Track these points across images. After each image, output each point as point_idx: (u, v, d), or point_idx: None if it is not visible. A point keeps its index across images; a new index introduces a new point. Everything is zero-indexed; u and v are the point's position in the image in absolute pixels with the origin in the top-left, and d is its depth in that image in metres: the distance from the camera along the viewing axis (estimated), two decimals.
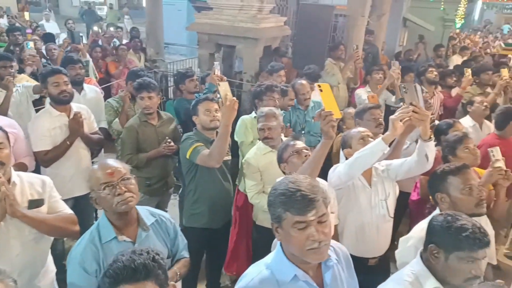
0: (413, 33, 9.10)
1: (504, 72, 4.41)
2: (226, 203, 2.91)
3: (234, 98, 2.32)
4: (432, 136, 2.12)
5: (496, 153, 2.40)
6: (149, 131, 3.12)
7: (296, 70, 5.21)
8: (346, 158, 2.26)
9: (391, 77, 4.26)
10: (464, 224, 1.49)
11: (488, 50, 9.81)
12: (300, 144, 2.21)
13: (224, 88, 2.34)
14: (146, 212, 1.81)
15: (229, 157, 2.88)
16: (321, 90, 1.73)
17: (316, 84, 1.78)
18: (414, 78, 4.90)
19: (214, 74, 3.29)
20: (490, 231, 2.22)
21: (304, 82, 3.90)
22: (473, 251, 1.45)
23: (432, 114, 4.49)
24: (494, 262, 2.44)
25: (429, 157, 2.09)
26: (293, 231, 1.26)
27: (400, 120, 1.91)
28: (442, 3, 9.16)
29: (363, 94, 4.38)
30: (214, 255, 3.02)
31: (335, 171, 2.18)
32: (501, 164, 2.36)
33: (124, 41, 7.72)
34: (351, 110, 3.64)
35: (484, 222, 2.22)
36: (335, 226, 2.32)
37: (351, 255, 1.59)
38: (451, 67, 6.10)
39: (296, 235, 1.26)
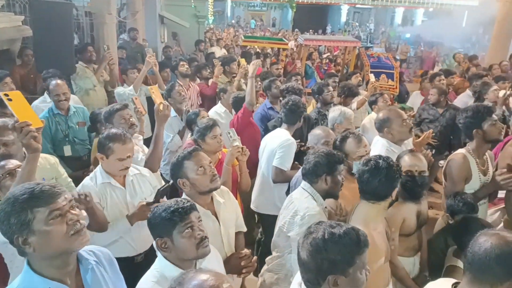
0: (171, 30, 9.46)
1: (242, 61, 5.03)
2: None
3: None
4: None
5: (232, 134, 2.69)
6: None
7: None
8: None
9: (149, 64, 4.27)
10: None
11: (238, 42, 11.24)
12: (13, 163, 1.86)
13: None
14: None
15: None
16: (9, 100, 1.45)
17: (2, 93, 1.48)
18: (170, 73, 5.05)
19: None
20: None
21: (60, 82, 3.45)
22: None
23: (191, 105, 4.75)
24: None
25: None
26: (50, 225, 1.23)
27: None
28: (193, 1, 9.85)
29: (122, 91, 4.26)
30: None
31: None
32: (238, 143, 2.65)
33: None
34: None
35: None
36: None
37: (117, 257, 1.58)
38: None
39: (54, 226, 1.23)
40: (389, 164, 1.92)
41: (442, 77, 5.38)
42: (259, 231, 3.62)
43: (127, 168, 2.30)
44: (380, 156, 2.02)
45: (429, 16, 23.90)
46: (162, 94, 2.95)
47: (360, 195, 2.08)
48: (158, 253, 1.62)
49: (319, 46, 12.07)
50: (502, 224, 2.96)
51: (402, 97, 7.10)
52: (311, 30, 20.25)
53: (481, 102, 4.45)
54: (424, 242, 2.58)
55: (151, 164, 2.64)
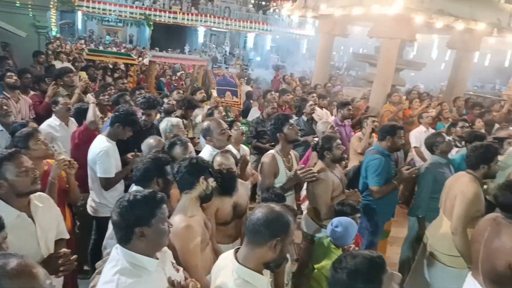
0: (2, 39, 8.47)
1: (83, 75, 4.94)
2: None
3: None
4: None
5: (57, 147, 2.72)
6: None
7: None
8: None
9: None
10: None
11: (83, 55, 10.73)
12: None
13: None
14: None
15: None
16: None
17: None
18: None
19: None
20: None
21: None
22: None
23: (22, 119, 4.42)
24: None
25: None
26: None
27: None
28: (30, 9, 9.03)
29: None
30: None
31: None
32: (63, 156, 2.67)
33: None
34: None
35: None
36: None
37: None
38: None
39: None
40: (191, 162, 2.28)
41: (273, 93, 6.22)
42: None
43: None
44: (192, 157, 2.35)
45: (276, 42, 26.74)
46: None
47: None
48: None
49: (175, 64, 12.43)
50: (305, 212, 3.64)
51: (247, 113, 7.87)
52: (169, 49, 20.56)
53: (301, 114, 5.35)
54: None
55: None
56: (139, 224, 1.63)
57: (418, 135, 5.66)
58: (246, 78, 10.06)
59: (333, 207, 3.15)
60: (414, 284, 3.40)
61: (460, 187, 2.97)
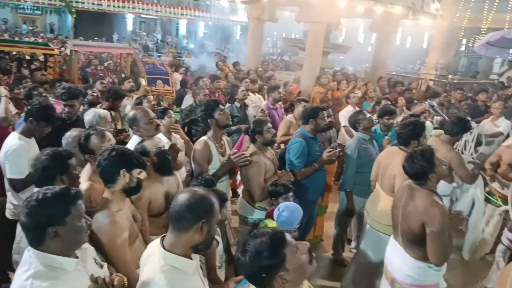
0: None
1: None
2: None
3: None
4: None
5: None
6: None
7: None
8: None
9: None
10: None
11: None
12: None
13: None
14: None
15: None
16: None
17: None
18: None
19: None
20: None
21: None
22: None
23: None
24: None
25: None
26: None
27: None
28: None
29: None
30: None
31: None
32: None
33: None
34: None
35: None
36: None
37: None
38: None
39: None
40: (110, 154, 2.15)
41: (205, 80, 6.15)
42: None
43: None
44: (111, 149, 2.22)
45: (209, 29, 26.38)
46: None
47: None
48: None
49: (102, 54, 11.74)
50: (241, 194, 3.69)
51: (180, 101, 7.70)
52: (96, 38, 19.36)
53: (234, 101, 5.35)
54: None
55: None
56: (51, 224, 1.51)
57: (346, 115, 5.93)
58: (184, 68, 9.75)
59: (266, 189, 3.22)
60: (360, 257, 3.56)
61: (398, 168, 3.02)
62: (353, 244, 4.43)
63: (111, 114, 4.15)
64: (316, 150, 3.67)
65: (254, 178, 3.30)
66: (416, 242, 2.51)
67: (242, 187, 3.88)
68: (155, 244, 1.73)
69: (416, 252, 2.54)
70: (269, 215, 3.14)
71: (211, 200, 1.66)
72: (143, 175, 2.33)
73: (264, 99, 6.18)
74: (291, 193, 3.17)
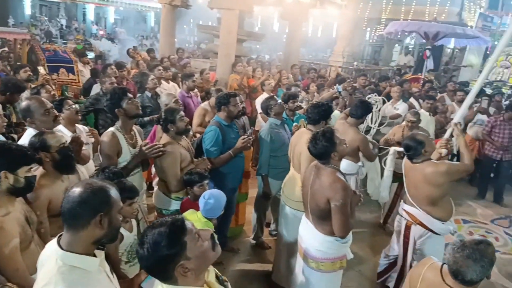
0: None
1: None
2: None
3: None
4: None
5: None
6: None
7: None
8: None
9: None
10: None
11: None
12: None
13: None
14: None
15: None
16: None
17: None
18: None
19: None
20: None
21: None
22: None
23: None
24: None
25: None
26: None
27: None
28: None
29: None
30: None
31: None
32: None
33: None
34: None
35: None
36: None
37: None
38: None
39: None
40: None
41: (113, 67, 5.81)
42: None
43: None
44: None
45: (120, 14, 24.87)
46: None
47: None
48: None
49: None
50: (157, 186, 3.57)
51: (88, 90, 7.15)
52: None
53: (144, 90, 5.10)
54: None
55: None
56: None
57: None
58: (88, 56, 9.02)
59: (182, 179, 3.16)
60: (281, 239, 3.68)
61: (304, 147, 3.13)
62: (272, 226, 4.58)
63: (5, 107, 3.72)
64: (232, 138, 3.66)
65: (169, 168, 3.21)
66: (323, 217, 2.67)
67: (157, 179, 3.76)
68: (51, 245, 1.58)
69: (324, 227, 2.71)
70: (184, 206, 3.08)
71: (106, 190, 1.53)
72: (39, 171, 2.12)
73: (179, 87, 6.02)
74: (206, 181, 3.15)
